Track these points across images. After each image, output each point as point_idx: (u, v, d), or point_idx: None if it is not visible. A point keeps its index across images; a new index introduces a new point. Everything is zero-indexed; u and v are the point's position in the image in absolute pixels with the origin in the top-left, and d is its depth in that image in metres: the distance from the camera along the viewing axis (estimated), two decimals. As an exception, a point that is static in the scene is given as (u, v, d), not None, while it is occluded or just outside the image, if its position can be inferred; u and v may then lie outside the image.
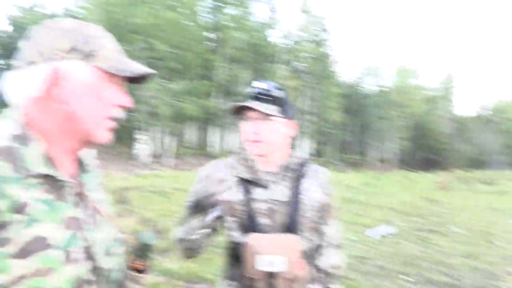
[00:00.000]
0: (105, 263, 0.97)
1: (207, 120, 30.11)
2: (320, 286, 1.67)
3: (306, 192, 1.62)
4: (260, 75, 31.49)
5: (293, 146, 1.73)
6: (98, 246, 0.95)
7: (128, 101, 0.98)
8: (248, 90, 1.60)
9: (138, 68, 0.95)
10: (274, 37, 33.61)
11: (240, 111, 1.58)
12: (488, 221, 9.69)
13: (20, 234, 0.80)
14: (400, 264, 5.81)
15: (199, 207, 1.58)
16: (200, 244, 1.55)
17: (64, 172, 0.92)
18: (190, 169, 19.38)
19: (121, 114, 0.98)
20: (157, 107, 21.44)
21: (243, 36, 28.47)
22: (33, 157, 0.86)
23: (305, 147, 33.50)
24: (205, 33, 28.67)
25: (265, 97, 1.54)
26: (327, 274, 1.69)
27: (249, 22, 28.99)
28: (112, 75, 0.93)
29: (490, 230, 8.66)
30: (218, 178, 1.63)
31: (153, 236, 0.98)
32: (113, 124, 0.97)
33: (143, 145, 22.75)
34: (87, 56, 0.91)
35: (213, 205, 1.53)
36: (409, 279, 5.20)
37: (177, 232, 1.61)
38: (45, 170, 0.87)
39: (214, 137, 31.14)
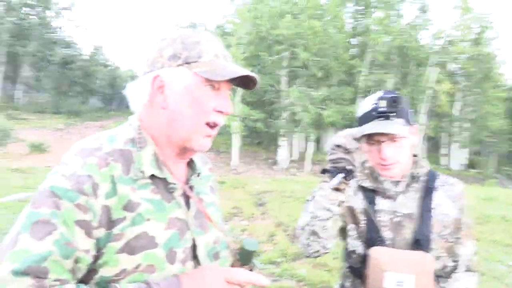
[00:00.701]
0: (208, 264, 0.99)
1: (347, 126, 29.60)
2: None
3: (435, 206, 1.46)
4: (407, 79, 29.73)
5: (417, 156, 1.57)
6: (202, 247, 0.98)
7: (227, 107, 0.95)
8: (368, 106, 1.46)
9: (232, 71, 0.92)
10: (425, 38, 31.33)
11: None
12: None
13: (128, 231, 0.85)
14: None
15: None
16: (326, 227, 1.40)
17: (173, 174, 0.96)
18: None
19: (220, 120, 0.96)
20: (298, 113, 21.83)
21: (389, 39, 27.25)
22: (145, 159, 0.92)
23: (458, 157, 30.33)
24: (349, 39, 28.27)
25: (390, 114, 1.41)
26: None
27: (396, 24, 27.57)
28: (212, 80, 0.92)
29: None
30: None
31: (255, 243, 0.97)
32: (213, 132, 0.96)
33: (283, 151, 23.42)
34: (186, 62, 0.92)
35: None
36: None
37: (301, 219, 1.51)
38: (154, 172, 0.91)
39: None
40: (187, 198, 0.99)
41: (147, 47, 0.98)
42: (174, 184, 0.95)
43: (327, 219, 1.38)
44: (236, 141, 22.31)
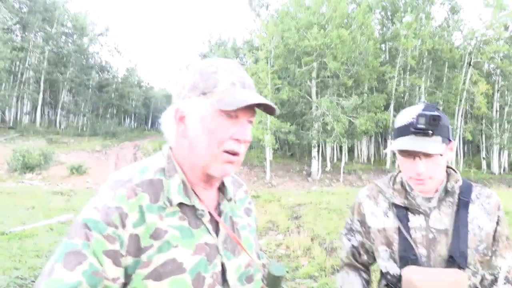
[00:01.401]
0: None
1: (380, 134, 29.07)
2: None
3: (471, 220, 1.42)
4: (441, 82, 29.01)
5: (453, 168, 1.53)
6: (233, 271, 1.00)
7: (244, 135, 0.96)
8: (406, 120, 1.44)
9: (242, 100, 0.92)
10: (458, 39, 30.50)
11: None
12: None
13: (155, 258, 0.88)
14: None
15: (363, 253, 1.59)
16: None
17: (202, 201, 0.99)
18: (361, 185, 18.88)
19: (238, 147, 0.96)
20: (329, 123, 21.67)
21: (420, 43, 26.75)
22: (173, 188, 0.95)
23: (499, 161, 29.10)
24: (379, 45, 27.95)
25: (429, 131, 1.37)
26: None
27: (426, 27, 27.04)
28: (230, 110, 0.93)
29: None
30: (370, 210, 1.55)
31: (282, 268, 0.97)
32: (233, 158, 0.97)
33: (316, 162, 23.25)
34: (203, 93, 0.95)
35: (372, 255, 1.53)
36: None
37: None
38: (181, 199, 0.95)
39: (388, 151, 29.66)
40: (216, 223, 1.01)
41: (179, 73, 1.02)
42: (202, 210, 0.98)
43: None
44: (269, 155, 22.33)
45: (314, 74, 24.37)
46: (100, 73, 46.30)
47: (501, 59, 28.88)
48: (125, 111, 49.84)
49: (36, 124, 35.49)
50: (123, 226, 0.87)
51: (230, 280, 0.98)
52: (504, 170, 29.22)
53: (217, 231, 1.00)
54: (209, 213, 1.00)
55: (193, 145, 0.96)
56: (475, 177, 24.95)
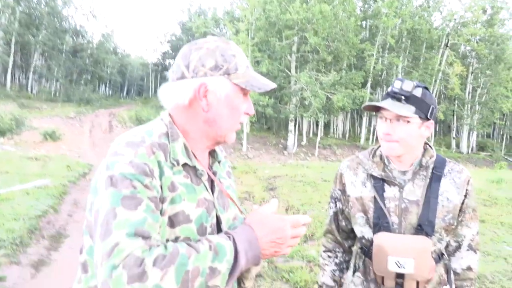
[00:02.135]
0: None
1: (356, 110, 29.45)
2: (451, 287, 1.60)
3: (441, 192, 1.56)
4: (418, 62, 29.42)
5: (429, 144, 1.66)
6: (224, 223, 1.14)
7: (251, 109, 1.15)
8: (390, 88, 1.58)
9: (265, 84, 1.11)
10: (436, 20, 30.82)
11: (377, 109, 1.58)
12: None
13: (170, 208, 1.00)
14: None
15: (342, 219, 1.73)
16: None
17: (200, 162, 1.12)
18: (335, 160, 19.28)
19: (246, 119, 1.16)
20: (307, 98, 21.83)
21: (400, 22, 26.92)
22: (178, 150, 1.07)
23: (468, 141, 30.08)
24: (359, 22, 27.97)
25: (401, 96, 1.51)
26: (458, 276, 1.64)
27: (407, 6, 27.19)
28: (244, 88, 1.10)
29: None
30: (350, 179, 1.68)
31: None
32: (239, 127, 1.16)
33: (292, 136, 23.48)
34: (227, 73, 1.08)
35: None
36: None
37: (321, 276, 1.79)
38: (186, 160, 1.07)
39: (362, 127, 30.35)
40: (211, 181, 1.15)
41: (180, 53, 1.14)
42: (202, 170, 1.11)
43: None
44: (246, 127, 22.41)
45: (294, 48, 24.32)
46: (74, 37, 44.77)
47: (477, 42, 29.49)
48: (100, 78, 48.61)
49: (7, 87, 34.29)
50: (154, 177, 0.98)
51: (224, 230, 1.12)
52: (472, 150, 30.29)
53: (212, 188, 1.14)
54: (206, 173, 1.13)
55: (216, 118, 1.10)
56: (445, 156, 25.68)
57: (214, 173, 1.19)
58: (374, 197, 1.58)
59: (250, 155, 20.19)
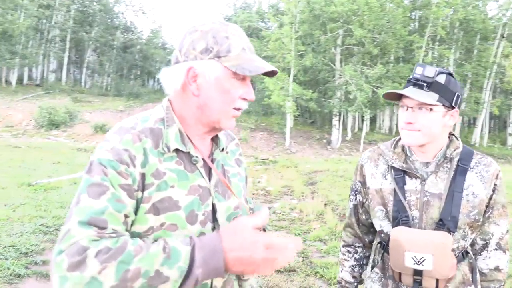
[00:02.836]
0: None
1: (397, 105, 28.44)
2: (476, 287, 1.50)
3: (466, 186, 1.47)
4: (471, 54, 28.01)
5: (454, 134, 1.57)
6: (223, 212, 1.11)
7: (250, 94, 1.09)
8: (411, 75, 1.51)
9: (259, 66, 1.05)
10: (491, 10, 29.14)
11: (399, 98, 1.50)
12: None
13: (154, 195, 1.00)
14: None
15: (362, 212, 1.68)
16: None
17: (197, 148, 1.11)
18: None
19: (244, 105, 1.10)
20: (352, 92, 21.37)
21: (452, 12, 25.69)
22: (171, 136, 1.06)
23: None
24: (408, 13, 26.97)
25: (424, 83, 1.43)
26: (485, 276, 1.55)
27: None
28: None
29: None
30: (370, 171, 1.62)
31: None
32: (237, 113, 1.10)
33: (336, 131, 23.12)
34: (217, 56, 1.05)
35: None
36: None
37: (340, 271, 1.77)
38: (178, 146, 1.06)
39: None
40: (210, 169, 1.12)
41: (179, 37, 1.12)
42: (196, 157, 1.09)
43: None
44: (289, 121, 22.31)
45: (339, 41, 23.88)
46: (124, 33, 46.31)
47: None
48: (148, 73, 50.02)
49: (62, 82, 36.11)
50: (134, 165, 0.98)
51: (220, 219, 1.10)
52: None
53: (209, 176, 1.11)
54: (203, 159, 1.11)
55: (207, 102, 1.07)
56: (499, 153, 24.43)
57: (213, 160, 1.16)
58: (394, 190, 1.52)
59: (293, 150, 20.10)
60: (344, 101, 23.09)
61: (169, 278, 0.86)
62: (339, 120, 23.72)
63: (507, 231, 1.53)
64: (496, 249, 1.52)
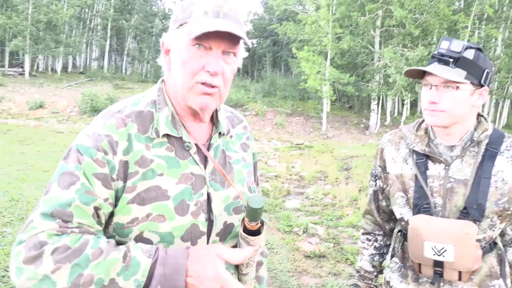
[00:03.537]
0: (223, 218, 1.04)
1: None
2: (505, 281, 1.41)
3: (495, 172, 1.36)
4: (521, 33, 26.38)
5: (483, 115, 1.46)
6: (219, 202, 1.04)
7: (214, 67, 0.94)
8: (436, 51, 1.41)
9: (208, 27, 0.90)
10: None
11: (422, 75, 1.41)
12: None
13: (140, 184, 0.94)
14: None
15: (382, 198, 1.62)
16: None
17: (191, 133, 1.03)
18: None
19: (210, 79, 0.95)
20: (391, 76, 20.69)
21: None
22: (161, 120, 0.99)
23: None
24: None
25: (450, 59, 1.32)
26: None
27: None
28: (198, 39, 0.93)
29: None
30: (391, 155, 1.54)
31: (261, 200, 0.95)
32: (207, 89, 0.96)
33: (375, 115, 22.55)
34: (181, 24, 0.97)
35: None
36: None
37: (359, 260, 1.72)
38: (168, 131, 0.99)
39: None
40: (204, 155, 1.05)
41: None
42: (189, 142, 1.01)
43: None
44: (326, 106, 21.97)
45: (378, 23, 23.07)
46: (163, 20, 46.90)
47: None
48: (186, 59, 50.58)
49: (104, 69, 37.12)
50: (114, 152, 0.92)
51: (215, 209, 1.02)
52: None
53: (205, 163, 1.04)
54: (197, 146, 1.03)
55: (174, 77, 1.00)
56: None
57: (210, 146, 1.07)
58: (416, 175, 1.43)
59: (330, 135, 19.81)
60: (383, 85, 22.40)
61: None
62: (377, 105, 23.09)
63: None
64: None
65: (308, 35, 22.98)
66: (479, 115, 1.45)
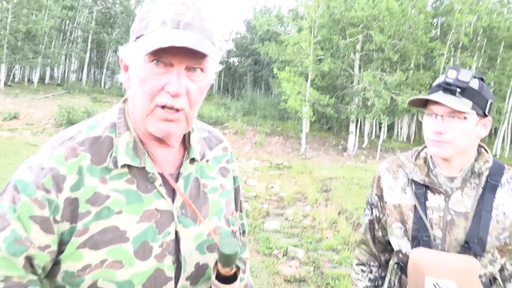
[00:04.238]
0: (195, 259, 0.90)
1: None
2: None
3: (496, 205, 1.32)
4: (494, 62, 27.41)
5: (484, 146, 1.42)
6: (190, 240, 0.89)
7: (174, 87, 0.78)
8: (441, 79, 1.37)
9: (164, 42, 0.75)
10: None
11: (425, 104, 1.36)
12: None
13: (93, 226, 0.80)
14: None
15: (378, 228, 1.54)
16: None
17: (156, 162, 0.88)
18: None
19: (171, 101, 0.79)
20: (370, 99, 21.08)
21: (475, 20, 25.19)
22: (121, 146, 0.84)
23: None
24: (431, 20, 26.52)
25: (456, 88, 1.28)
26: None
27: (483, 2, 25.36)
28: (158, 55, 0.78)
29: None
30: (388, 184, 1.49)
31: (234, 244, 0.83)
32: (168, 115, 0.81)
33: (353, 137, 22.84)
34: (138, 37, 0.82)
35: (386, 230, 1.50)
36: None
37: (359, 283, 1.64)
38: (128, 161, 0.83)
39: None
40: (172, 187, 0.90)
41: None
42: (153, 173, 0.86)
43: None
44: (305, 127, 22.14)
45: (358, 47, 23.62)
46: (145, 35, 46.91)
47: None
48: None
49: (82, 82, 36.62)
50: (59, 190, 0.78)
51: (185, 250, 0.88)
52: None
53: (174, 195, 0.89)
54: (163, 176, 0.88)
55: (133, 98, 0.85)
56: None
57: (180, 175, 0.91)
58: (415, 206, 1.37)
59: (308, 155, 19.91)
60: (362, 108, 22.80)
61: None
62: (356, 127, 23.44)
63: None
64: None
65: (289, 56, 23.32)
66: (479, 145, 1.42)
